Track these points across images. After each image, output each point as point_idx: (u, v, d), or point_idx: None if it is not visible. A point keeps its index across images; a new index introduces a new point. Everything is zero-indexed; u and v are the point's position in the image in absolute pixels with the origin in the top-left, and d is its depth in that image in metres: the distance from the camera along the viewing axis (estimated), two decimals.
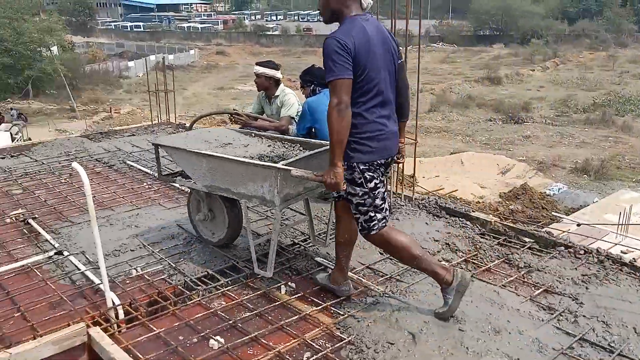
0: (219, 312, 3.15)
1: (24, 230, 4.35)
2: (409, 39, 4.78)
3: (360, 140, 2.84)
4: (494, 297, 3.23)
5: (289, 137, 4.14)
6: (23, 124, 27.93)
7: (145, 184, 5.39)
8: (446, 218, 4.39)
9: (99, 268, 3.60)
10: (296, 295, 3.31)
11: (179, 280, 3.51)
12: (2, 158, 6.38)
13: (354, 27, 2.80)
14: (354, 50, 2.72)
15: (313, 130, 4.64)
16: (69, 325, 3.01)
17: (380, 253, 3.78)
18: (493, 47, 50.91)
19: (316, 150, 3.49)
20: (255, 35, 60.04)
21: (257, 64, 5.28)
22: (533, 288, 3.41)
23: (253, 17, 76.02)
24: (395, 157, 3.09)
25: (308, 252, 3.85)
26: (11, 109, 31.07)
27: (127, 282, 3.53)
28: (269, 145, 3.87)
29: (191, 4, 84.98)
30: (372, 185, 2.90)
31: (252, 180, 3.30)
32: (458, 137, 22.37)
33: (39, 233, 4.24)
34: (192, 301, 3.30)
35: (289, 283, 3.45)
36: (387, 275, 3.54)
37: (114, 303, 3.19)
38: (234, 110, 5.47)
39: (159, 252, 3.89)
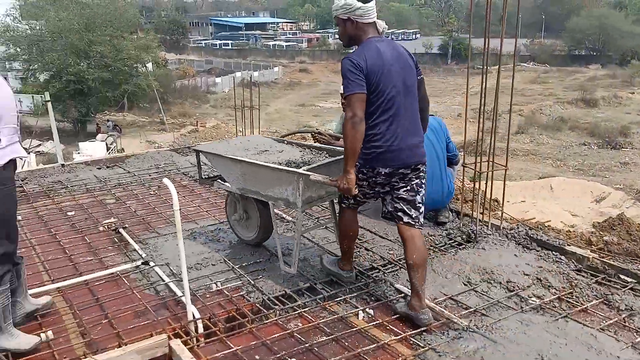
0: (295, 334, 3.11)
1: (115, 239, 4.55)
2: (499, 58, 4.60)
3: (371, 149, 3.13)
4: (591, 341, 2.97)
5: (319, 145, 4.29)
6: (117, 135, 29.79)
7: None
8: (537, 250, 4.13)
9: (182, 280, 3.73)
10: (374, 323, 3.21)
11: (257, 298, 3.52)
12: (99, 169, 6.75)
13: (368, 49, 3.12)
14: (366, 68, 3.03)
15: None
16: (151, 335, 3.08)
17: (464, 284, 3.62)
18: (589, 67, 48.75)
19: (336, 158, 3.69)
20: (339, 54, 60.81)
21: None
22: (635, 334, 3.12)
23: (337, 36, 77.07)
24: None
25: (387, 278, 3.74)
26: (108, 120, 33.25)
27: (207, 296, 3.58)
28: (300, 152, 4.12)
29: (277, 23, 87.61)
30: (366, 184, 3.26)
31: (278, 183, 3.59)
32: (547, 161, 21.41)
33: (128, 242, 4.42)
34: (269, 320, 3.29)
35: (367, 309, 3.36)
36: (471, 308, 3.35)
37: (194, 316, 3.23)
38: (317, 130, 5.49)
39: (239, 268, 3.92)
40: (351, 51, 3.24)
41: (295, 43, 67.97)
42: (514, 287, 3.60)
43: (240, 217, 4.21)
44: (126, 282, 3.78)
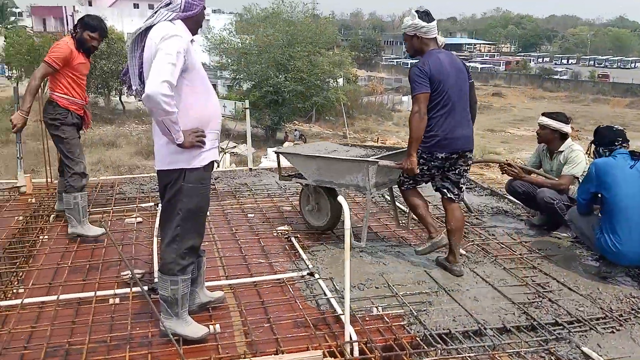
0: None
1: (286, 246, 4.70)
2: None
3: (430, 138, 3.94)
4: None
5: (378, 145, 5.37)
6: (302, 144, 31.53)
7: (399, 221, 5.36)
8: None
9: (343, 298, 3.68)
10: None
11: (418, 331, 3.32)
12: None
13: (430, 58, 3.92)
14: (429, 73, 3.85)
15: (599, 196, 4.03)
16: (307, 349, 3.08)
17: None
18: None
19: (396, 151, 4.74)
20: (539, 79, 57.34)
21: (543, 114, 4.87)
22: None
23: (540, 60, 72.79)
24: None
25: (573, 338, 3.27)
26: (295, 130, 35.43)
27: (367, 319, 3.48)
28: (364, 150, 5.09)
29: (475, 44, 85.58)
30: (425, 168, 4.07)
31: (349, 172, 4.37)
32: None
33: (298, 251, 4.53)
34: (428, 358, 3.08)
35: None
36: None
37: (351, 338, 3.16)
38: (506, 161, 5.12)
39: (403, 296, 3.77)
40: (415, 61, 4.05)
41: (491, 65, 65.56)
42: None
43: (312, 208, 4.95)
44: (291, 290, 3.85)
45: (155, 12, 2.92)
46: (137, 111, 34.87)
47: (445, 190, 4.14)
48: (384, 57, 73.14)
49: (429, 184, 4.32)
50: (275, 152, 5.30)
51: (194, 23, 3.00)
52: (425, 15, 3.94)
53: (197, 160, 2.95)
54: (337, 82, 34.72)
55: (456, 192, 4.14)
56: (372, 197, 5.91)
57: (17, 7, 74.05)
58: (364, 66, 62.40)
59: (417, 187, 4.28)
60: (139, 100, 3.01)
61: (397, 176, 4.41)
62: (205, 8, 3.05)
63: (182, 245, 3.02)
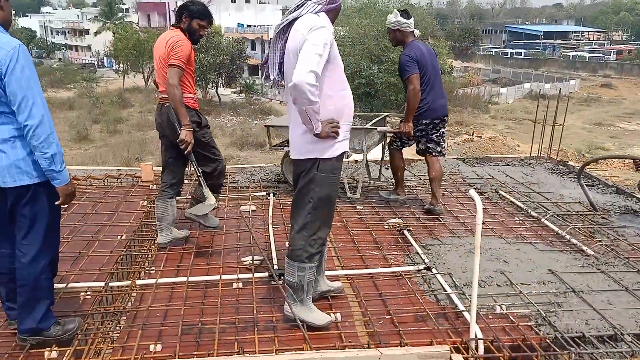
0: None
1: (398, 239, 4.68)
2: None
3: (419, 108, 5.05)
4: None
5: (363, 114, 6.46)
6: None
7: (516, 218, 5.17)
8: None
9: (464, 294, 3.61)
10: None
11: (548, 333, 3.19)
12: (387, 169, 7.03)
13: (413, 47, 4.99)
14: (416, 58, 4.90)
15: None
16: (431, 343, 3.05)
17: None
18: None
19: (375, 120, 6.09)
20: None
21: None
22: None
23: None
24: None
25: None
26: (388, 122, 35.10)
27: (490, 317, 3.39)
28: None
29: (582, 32, 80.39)
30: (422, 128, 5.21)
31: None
32: None
33: (411, 245, 4.49)
34: None
35: None
36: None
37: (476, 335, 3.09)
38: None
39: (528, 295, 3.63)
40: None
41: (600, 55, 61.13)
42: None
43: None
44: (408, 282, 3.83)
45: (300, 5, 2.99)
46: (233, 103, 36.16)
47: (430, 150, 5.22)
48: (481, 47, 70.27)
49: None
50: (265, 126, 6.34)
51: (335, 15, 3.06)
52: (405, 14, 5.02)
53: (330, 150, 3.01)
54: None
55: (438, 150, 5.24)
56: (489, 196, 5.77)
57: (124, 4, 79.14)
58: (459, 56, 60.44)
59: (402, 149, 5.49)
60: (276, 88, 3.21)
61: (379, 139, 5.94)
62: None
63: (311, 233, 3.10)
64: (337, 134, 2.99)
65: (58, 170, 2.83)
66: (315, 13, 2.95)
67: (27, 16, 79.11)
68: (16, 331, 3.05)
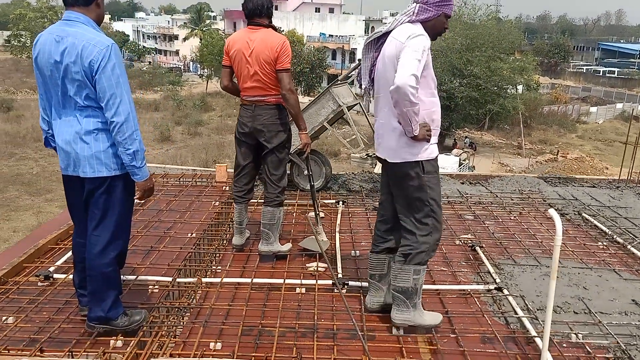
0: None
1: (469, 255, 4.49)
2: None
3: None
4: None
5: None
6: (472, 152, 30.36)
7: (600, 243, 4.83)
8: None
9: (536, 318, 3.40)
10: None
11: None
12: (462, 183, 6.85)
13: None
14: None
15: None
16: None
17: None
18: None
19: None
20: None
21: None
22: None
23: None
24: None
25: None
26: (466, 137, 34.21)
27: (564, 345, 3.17)
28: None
29: None
30: None
31: (322, 108, 5.87)
32: None
33: (482, 262, 4.29)
34: None
35: None
36: None
37: None
38: None
39: (607, 325, 3.36)
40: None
41: None
42: None
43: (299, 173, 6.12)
44: (477, 302, 3.66)
45: (394, 20, 3.15)
46: None
47: None
48: (571, 64, 67.12)
49: None
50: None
51: (429, 29, 3.07)
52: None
53: (428, 152, 3.08)
54: (516, 89, 32.81)
55: None
56: (571, 218, 5.43)
57: (212, 11, 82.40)
58: (547, 73, 58.15)
59: None
60: (367, 98, 3.45)
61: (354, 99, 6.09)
62: (448, 17, 3.12)
63: (435, 235, 3.17)
64: (430, 137, 3.05)
65: (139, 166, 2.93)
66: (410, 23, 3.06)
67: (122, 20, 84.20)
68: (86, 318, 3.17)
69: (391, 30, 3.10)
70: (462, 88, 28.96)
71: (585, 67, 65.81)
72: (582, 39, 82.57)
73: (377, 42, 3.20)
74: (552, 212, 2.66)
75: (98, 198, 2.96)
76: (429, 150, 3.08)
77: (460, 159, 26.98)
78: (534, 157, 31.71)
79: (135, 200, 3.22)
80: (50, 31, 2.86)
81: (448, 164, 23.67)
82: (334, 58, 52.50)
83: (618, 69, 61.59)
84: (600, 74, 60.51)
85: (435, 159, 3.15)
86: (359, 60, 5.83)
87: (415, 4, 3.07)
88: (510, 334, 3.29)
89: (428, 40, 2.98)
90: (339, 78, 6.12)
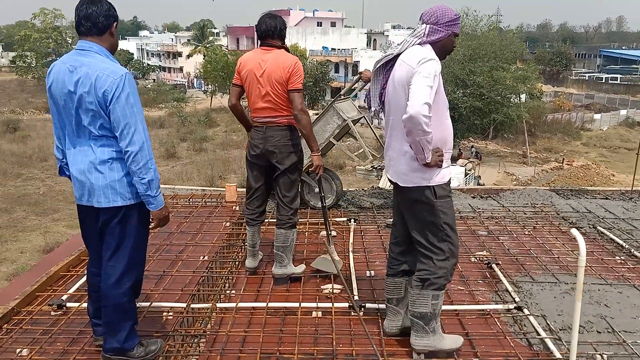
0: None
1: (486, 273, 4.42)
2: None
3: None
4: None
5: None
6: (477, 162, 30.27)
7: (617, 257, 4.76)
8: None
9: (559, 339, 3.33)
10: None
11: None
12: (473, 197, 6.79)
13: None
14: None
15: None
16: None
17: None
18: None
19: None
20: None
21: None
22: None
23: None
24: None
25: None
26: (472, 147, 34.13)
27: None
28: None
29: None
30: None
31: (327, 123, 5.76)
32: None
33: (500, 280, 4.23)
34: None
35: None
36: None
37: None
38: None
39: (633, 345, 3.28)
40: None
41: None
42: None
43: (310, 191, 6.04)
44: (497, 323, 3.59)
45: (401, 43, 3.10)
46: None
47: None
48: (573, 72, 67.11)
49: None
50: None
51: (439, 49, 3.03)
52: None
53: (439, 177, 3.03)
54: (519, 98, 32.78)
55: None
56: (586, 232, 5.37)
57: (215, 28, 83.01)
58: (550, 81, 58.09)
59: None
60: (376, 118, 3.31)
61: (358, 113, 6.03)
62: (456, 35, 3.08)
63: (452, 260, 3.11)
64: (442, 161, 3.00)
65: (154, 196, 2.90)
66: (420, 45, 3.01)
67: (126, 39, 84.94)
68: (101, 348, 3.12)
69: (401, 53, 3.04)
70: (465, 98, 28.96)
71: (587, 75, 65.77)
72: (583, 47, 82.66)
73: (386, 66, 3.16)
74: (574, 232, 2.61)
75: (113, 228, 2.93)
76: (441, 175, 3.03)
77: (465, 169, 26.91)
78: (539, 165, 31.60)
79: None
80: (63, 61, 2.85)
81: (454, 174, 23.58)
82: (336, 71, 52.68)
83: (621, 76, 61.54)
84: (603, 80, 60.39)
85: (448, 183, 3.10)
86: (360, 73, 5.89)
87: (424, 25, 3.01)
88: (534, 357, 3.22)
89: (439, 65, 2.93)
90: (341, 93, 6.10)
